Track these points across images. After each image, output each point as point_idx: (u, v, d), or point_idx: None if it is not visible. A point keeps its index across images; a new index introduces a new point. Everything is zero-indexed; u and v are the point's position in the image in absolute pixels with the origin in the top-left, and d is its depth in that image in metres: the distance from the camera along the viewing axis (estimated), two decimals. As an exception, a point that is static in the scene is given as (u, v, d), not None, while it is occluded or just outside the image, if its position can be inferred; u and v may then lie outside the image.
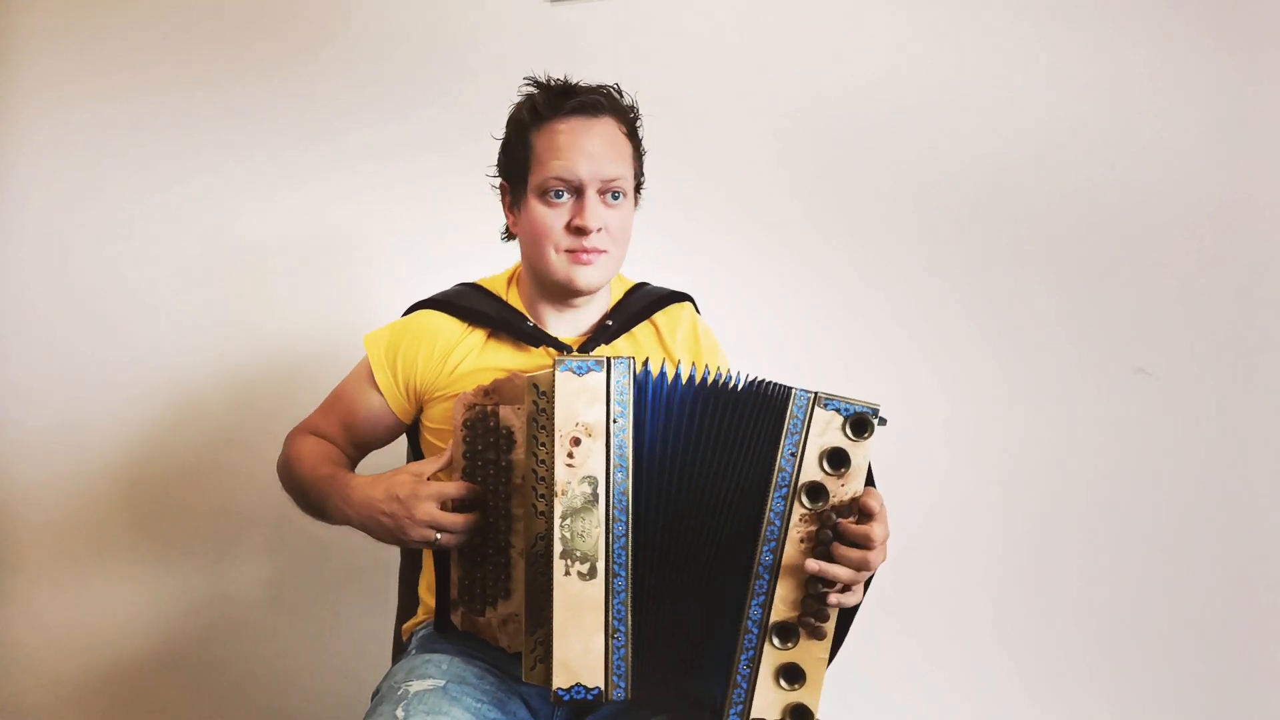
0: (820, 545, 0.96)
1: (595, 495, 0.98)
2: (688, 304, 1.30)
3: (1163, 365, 1.64)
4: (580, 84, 1.17)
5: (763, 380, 1.00)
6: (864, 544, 0.95)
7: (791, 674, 0.98)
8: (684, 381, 1.00)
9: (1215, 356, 1.62)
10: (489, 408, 1.07)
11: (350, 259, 1.82)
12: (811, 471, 0.96)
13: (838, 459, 0.96)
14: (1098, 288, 1.65)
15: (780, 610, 0.97)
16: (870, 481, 0.99)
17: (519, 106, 1.18)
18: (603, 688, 0.98)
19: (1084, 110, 1.64)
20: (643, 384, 0.99)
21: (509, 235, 1.26)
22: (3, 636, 1.91)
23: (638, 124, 1.20)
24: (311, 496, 1.17)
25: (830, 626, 0.98)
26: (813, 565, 0.95)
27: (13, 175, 1.89)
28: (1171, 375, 1.63)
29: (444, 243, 1.76)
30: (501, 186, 1.23)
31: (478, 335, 1.20)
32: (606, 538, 0.98)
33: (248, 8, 1.83)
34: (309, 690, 1.84)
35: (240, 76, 1.83)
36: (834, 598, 0.96)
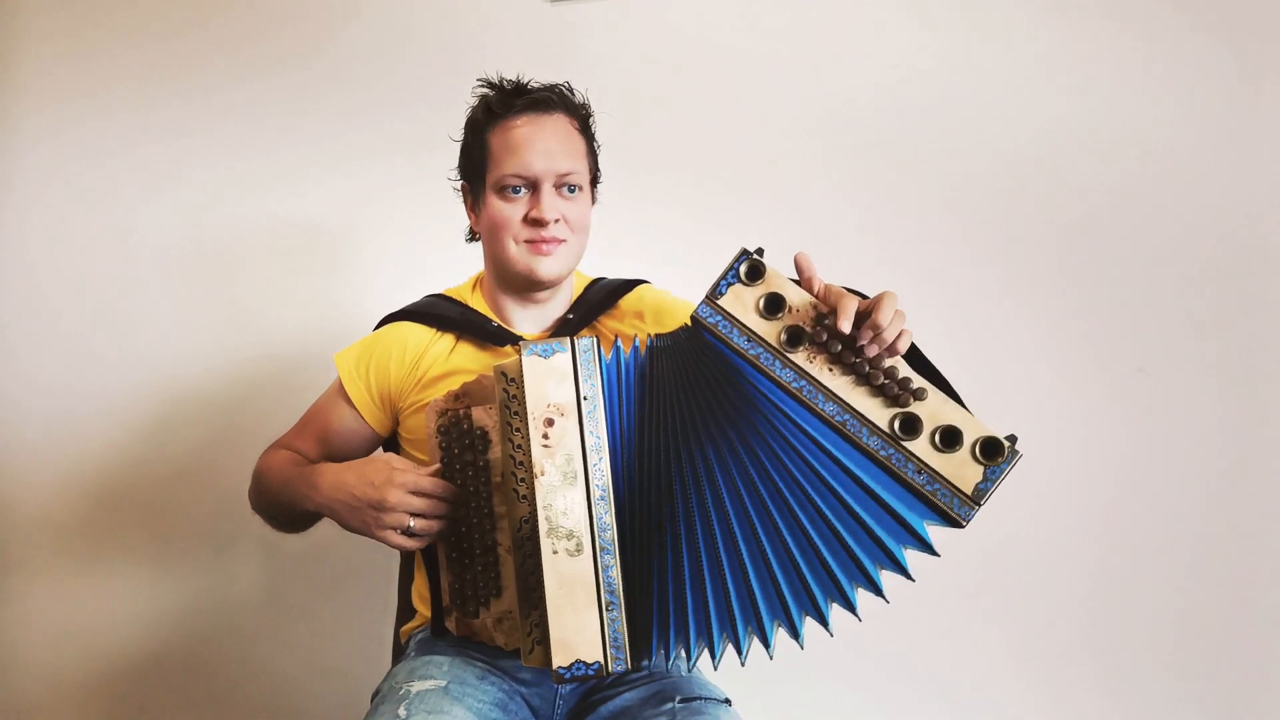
0: (840, 354, 0.95)
1: (574, 472, 1.01)
2: (644, 285, 1.32)
3: (1163, 365, 1.64)
4: (531, 83, 1.21)
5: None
6: (851, 318, 0.92)
7: (948, 436, 0.96)
8: (642, 353, 1.02)
9: (1216, 357, 1.62)
10: (461, 411, 1.10)
11: (349, 259, 1.83)
12: (766, 328, 0.96)
13: (773, 303, 0.97)
14: (1099, 288, 1.65)
15: (881, 417, 0.95)
16: None
17: (474, 108, 1.22)
18: (602, 661, 0.99)
19: (1085, 112, 1.65)
20: (610, 361, 1.02)
21: (473, 235, 1.30)
22: (3, 636, 1.87)
23: (590, 121, 1.24)
24: (282, 496, 1.17)
25: (918, 379, 0.96)
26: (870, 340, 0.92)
27: (14, 178, 1.90)
28: (1172, 376, 1.63)
29: (441, 245, 1.71)
30: (463, 188, 1.27)
31: (446, 340, 1.24)
32: (589, 513, 1.00)
33: (245, 12, 1.85)
34: (308, 690, 1.81)
35: (239, 79, 1.85)
36: (888, 361, 0.94)
